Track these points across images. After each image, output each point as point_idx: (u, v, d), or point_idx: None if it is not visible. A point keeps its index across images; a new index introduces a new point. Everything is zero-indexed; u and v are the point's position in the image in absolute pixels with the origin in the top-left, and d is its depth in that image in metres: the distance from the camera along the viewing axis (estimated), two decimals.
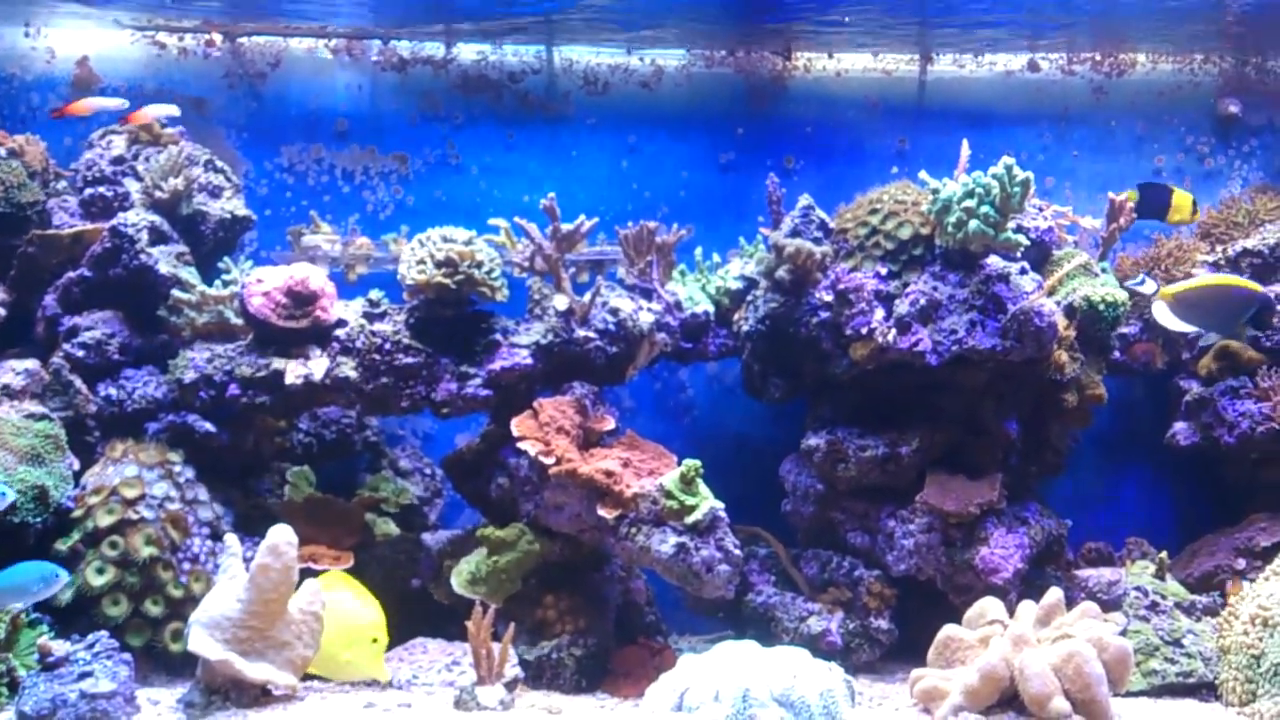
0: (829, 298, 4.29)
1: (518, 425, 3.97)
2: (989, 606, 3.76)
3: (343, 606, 3.56)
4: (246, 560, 3.52)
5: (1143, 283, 4.31)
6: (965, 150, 4.46)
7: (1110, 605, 4.08)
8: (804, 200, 4.46)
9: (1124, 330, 4.82)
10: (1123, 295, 4.58)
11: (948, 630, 3.69)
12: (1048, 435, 4.53)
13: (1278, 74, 5.45)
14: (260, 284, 4.09)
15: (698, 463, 3.86)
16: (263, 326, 4.10)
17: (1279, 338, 4.72)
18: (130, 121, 4.53)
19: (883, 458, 4.28)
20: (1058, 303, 4.40)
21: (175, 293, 4.22)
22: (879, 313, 4.24)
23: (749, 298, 4.53)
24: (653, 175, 5.20)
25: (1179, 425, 4.85)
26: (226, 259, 4.42)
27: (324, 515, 4.13)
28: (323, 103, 5.11)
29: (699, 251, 4.76)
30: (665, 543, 3.80)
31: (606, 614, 4.17)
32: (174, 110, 4.56)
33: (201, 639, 3.38)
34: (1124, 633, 3.84)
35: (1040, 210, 4.71)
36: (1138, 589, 4.09)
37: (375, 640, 3.53)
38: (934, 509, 4.19)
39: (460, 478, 4.34)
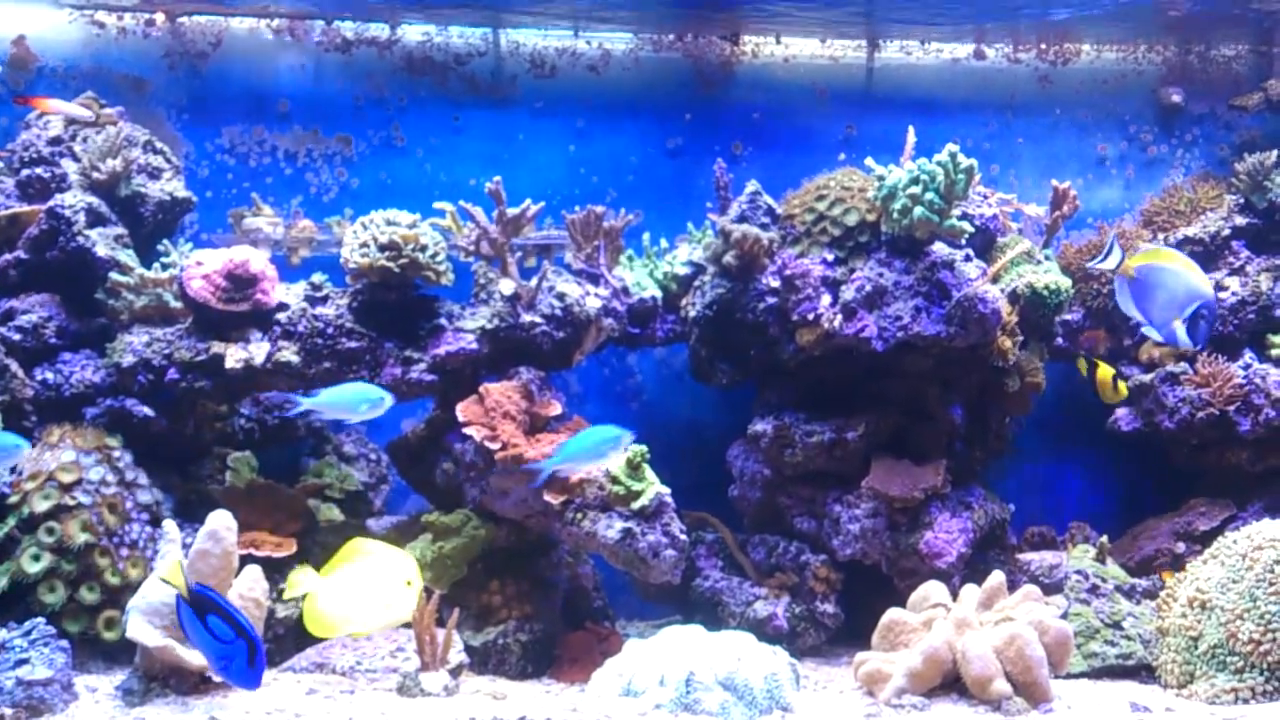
0: (776, 283, 4.29)
1: (463, 410, 3.95)
2: (933, 590, 3.79)
3: (374, 563, 3.47)
4: (186, 546, 3.47)
5: (1107, 255, 4.06)
6: (911, 137, 4.49)
7: (1052, 588, 4.13)
8: (751, 186, 4.46)
9: (1067, 317, 4.87)
10: (1065, 282, 4.62)
11: (892, 614, 3.72)
12: (991, 420, 4.57)
13: (1220, 63, 5.52)
14: (200, 267, 4.03)
15: (644, 448, 3.86)
16: (202, 310, 4.04)
17: (1218, 325, 4.79)
18: (34, 106, 4.43)
19: (829, 443, 4.29)
20: (1001, 289, 4.43)
21: (114, 275, 4.14)
22: (825, 299, 4.25)
23: (696, 283, 4.53)
24: (600, 160, 5.17)
25: (1121, 411, 4.90)
26: (166, 241, 4.35)
27: (266, 501, 4.08)
28: (265, 84, 5.03)
29: (647, 237, 4.75)
30: (611, 528, 3.80)
31: (553, 599, 4.16)
32: (86, 113, 4.46)
33: (140, 626, 3.33)
34: (1065, 616, 3.89)
35: (985, 198, 4.73)
36: (1079, 572, 4.14)
37: (409, 583, 3.46)
38: (879, 494, 4.22)
39: (405, 463, 4.31)
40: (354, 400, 3.73)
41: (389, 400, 3.72)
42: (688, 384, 4.78)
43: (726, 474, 4.62)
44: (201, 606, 3.10)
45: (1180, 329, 3.89)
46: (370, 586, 3.43)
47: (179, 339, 4.07)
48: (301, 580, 3.43)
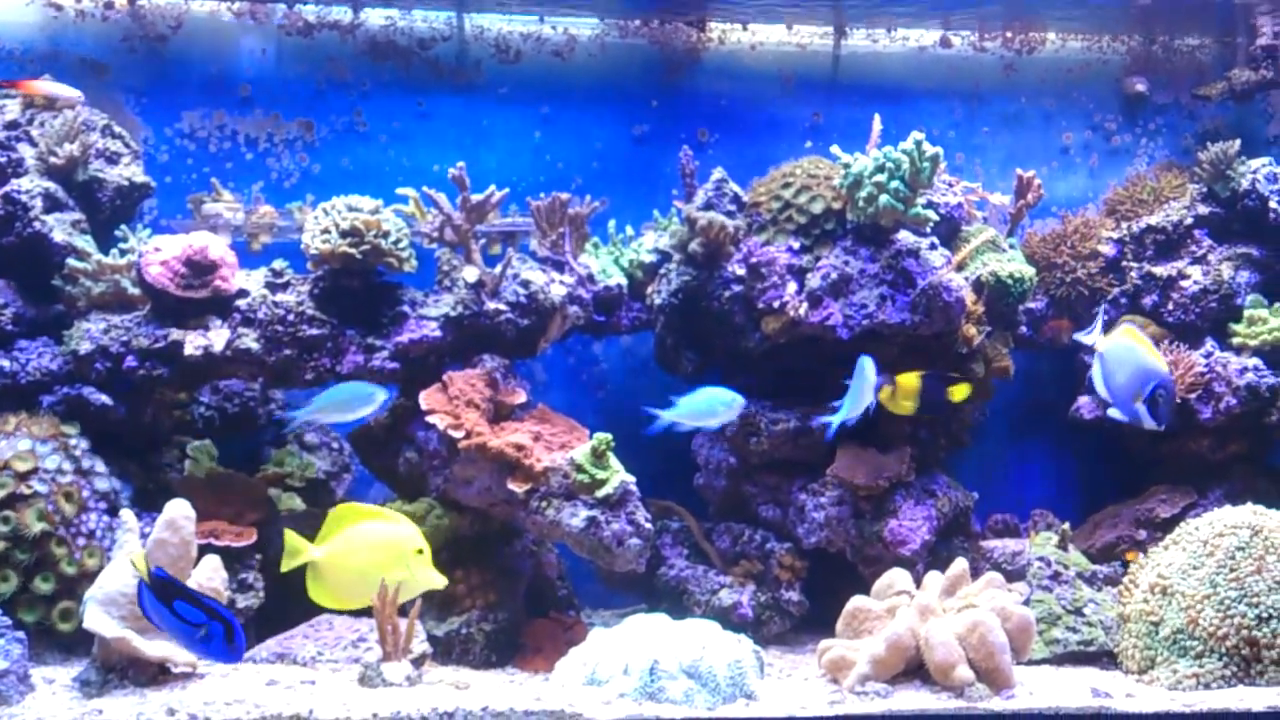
0: (742, 271, 4.29)
1: (426, 399, 3.92)
2: (896, 577, 3.80)
3: (376, 534, 3.44)
4: (144, 536, 3.43)
5: (1091, 329, 4.13)
6: (877, 125, 4.49)
7: (1014, 575, 4.15)
8: (717, 173, 4.45)
9: (1030, 305, 4.88)
10: (1029, 270, 4.64)
11: (856, 601, 3.72)
12: (956, 409, 4.57)
13: (1184, 53, 5.54)
14: (158, 253, 3.98)
15: (609, 436, 3.85)
16: (161, 296, 3.99)
17: (1180, 314, 4.83)
18: (20, 89, 4.36)
19: (794, 431, 4.30)
20: (966, 278, 4.44)
21: (71, 262, 4.08)
22: (791, 286, 4.25)
23: (662, 271, 4.52)
24: (566, 146, 5.14)
25: (1083, 400, 4.93)
26: (124, 227, 4.28)
27: (226, 490, 4.04)
28: (226, 67, 4.96)
29: (612, 224, 4.73)
30: (576, 516, 3.78)
31: (517, 588, 4.14)
32: (77, 95, 4.40)
33: (97, 616, 3.29)
34: (1027, 602, 3.90)
35: (950, 186, 4.75)
36: (1041, 559, 4.16)
37: (420, 551, 3.43)
38: (844, 482, 4.23)
39: (368, 452, 4.27)
40: (348, 400, 3.69)
41: (381, 395, 3.69)
42: (653, 372, 4.77)
43: (692, 462, 4.62)
44: (165, 592, 3.07)
45: (1142, 409, 3.93)
46: (377, 558, 3.39)
47: (137, 326, 4.02)
48: (297, 548, 3.38)
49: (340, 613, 3.68)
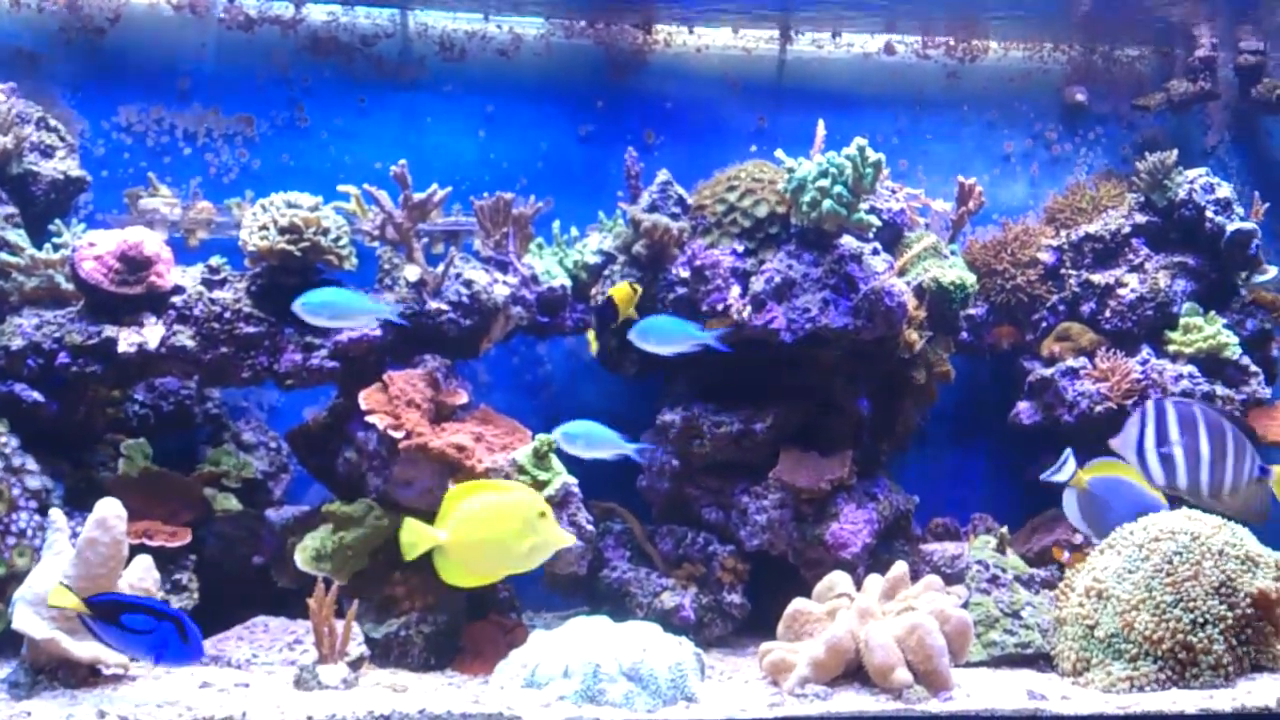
0: (686, 274, 4.29)
1: (366, 398, 3.88)
2: (837, 580, 3.81)
3: (496, 504, 3.33)
4: (75, 535, 3.36)
5: (1061, 467, 4.06)
6: (821, 130, 4.51)
7: (953, 579, 4.18)
8: (662, 175, 4.44)
9: (971, 312, 4.93)
10: (970, 277, 4.69)
11: (797, 604, 3.73)
12: (897, 413, 4.61)
13: (1124, 64, 5.62)
14: (92, 248, 3.90)
15: (551, 437, 3.83)
16: (95, 292, 3.92)
17: (1117, 321, 4.90)
18: None
19: (738, 434, 4.30)
20: (908, 283, 4.47)
21: (3, 256, 4.00)
22: (735, 290, 4.26)
23: (606, 272, 4.50)
24: (511, 145, 5.11)
25: (1022, 405, 4.98)
26: (59, 221, 4.21)
27: (160, 489, 3.98)
28: (164, 61, 4.87)
29: (557, 225, 4.70)
30: None
31: (457, 590, 4.09)
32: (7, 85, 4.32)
33: (26, 617, 3.23)
34: (965, 605, 3.93)
35: (893, 192, 4.78)
36: (979, 563, 4.19)
37: (543, 515, 3.33)
38: (787, 485, 4.24)
39: (305, 452, 4.22)
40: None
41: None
42: (597, 373, 4.75)
43: (635, 464, 4.59)
44: (109, 611, 3.04)
45: None
46: (501, 528, 3.29)
47: (70, 322, 3.94)
48: (419, 536, 3.27)
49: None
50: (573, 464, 3.88)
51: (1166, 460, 3.73)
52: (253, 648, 3.64)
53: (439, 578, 3.96)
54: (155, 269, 3.94)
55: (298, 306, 3.75)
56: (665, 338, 3.97)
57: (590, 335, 4.25)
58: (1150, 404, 3.78)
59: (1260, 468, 3.73)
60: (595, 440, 3.84)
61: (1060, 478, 4.05)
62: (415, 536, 3.28)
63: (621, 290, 4.11)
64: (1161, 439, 3.74)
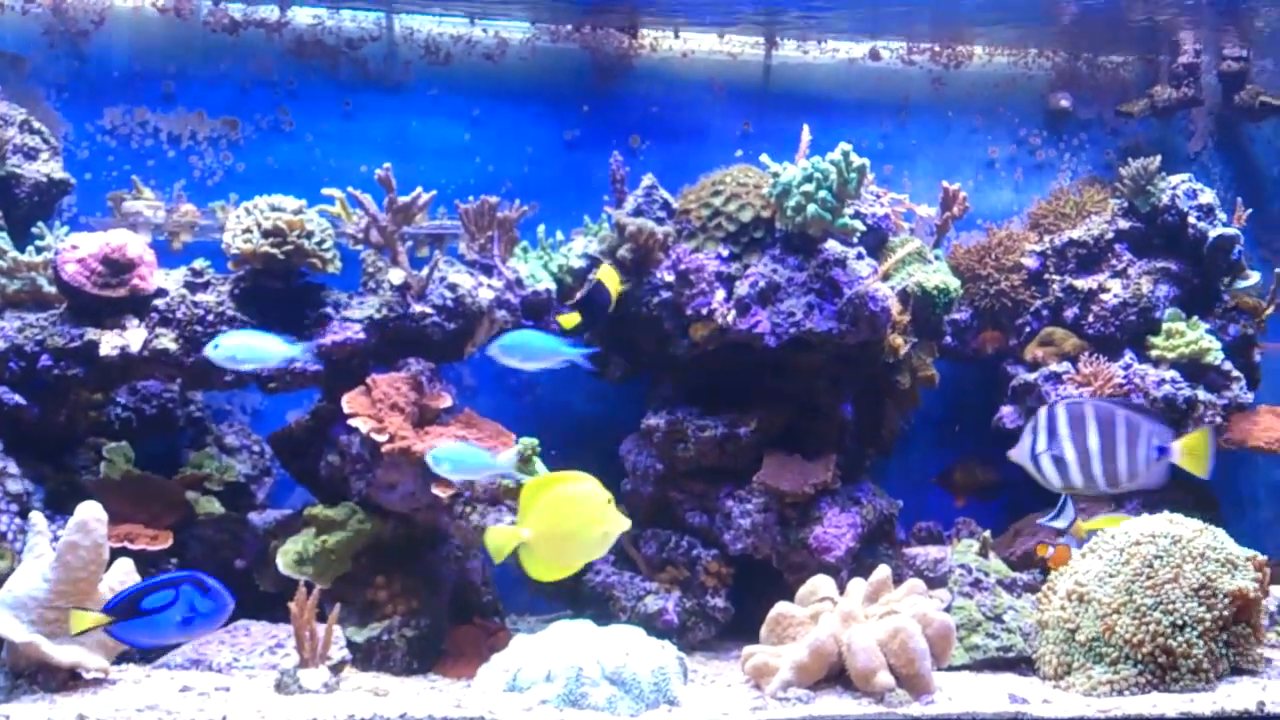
0: (670, 278, 4.29)
1: (349, 401, 3.87)
2: (820, 584, 3.81)
3: (569, 496, 3.33)
4: (55, 539, 3.35)
5: (1059, 514, 4.09)
6: (806, 135, 4.52)
7: (936, 582, 4.19)
8: (647, 180, 4.45)
9: (955, 316, 4.94)
10: (955, 282, 4.70)
11: (780, 607, 3.73)
12: (881, 417, 4.62)
13: (1108, 70, 5.65)
14: (75, 250, 3.89)
15: (534, 441, 3.83)
16: (77, 295, 3.91)
17: (1100, 326, 4.91)
18: None
19: (722, 438, 4.30)
20: (892, 288, 4.48)
21: None
22: (719, 294, 4.27)
23: (591, 276, 4.49)
24: (496, 149, 5.11)
25: (1006, 409, 4.99)
26: (42, 224, 4.20)
27: (142, 493, 3.96)
28: (149, 64, 4.87)
29: (542, 229, 4.69)
30: (500, 522, 3.75)
31: (441, 594, 4.10)
32: None
33: (6, 620, 3.22)
34: (948, 609, 3.93)
35: (878, 197, 4.79)
36: (962, 567, 4.19)
37: (610, 501, 3.34)
38: (770, 489, 4.24)
39: (288, 455, 4.21)
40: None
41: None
42: (581, 378, 4.73)
43: (619, 468, 4.60)
44: (128, 607, 3.09)
45: None
46: (577, 517, 3.30)
47: (53, 325, 3.93)
48: (505, 538, 3.28)
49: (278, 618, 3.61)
50: (557, 468, 3.86)
51: (1059, 462, 3.75)
52: (234, 651, 3.63)
53: (425, 582, 3.99)
54: (138, 272, 3.93)
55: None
56: (531, 354, 3.81)
57: (569, 318, 4.15)
58: (1042, 409, 3.80)
59: (1159, 448, 3.76)
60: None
61: (1059, 524, 4.07)
62: (500, 539, 3.29)
63: (611, 274, 4.07)
64: (1052, 442, 3.76)
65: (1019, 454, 3.78)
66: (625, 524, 3.36)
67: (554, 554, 3.32)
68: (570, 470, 3.41)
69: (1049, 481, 3.79)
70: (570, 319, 3.98)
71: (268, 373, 3.88)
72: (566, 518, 3.30)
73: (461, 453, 3.67)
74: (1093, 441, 3.73)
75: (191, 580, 3.14)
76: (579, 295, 4.18)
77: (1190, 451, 3.74)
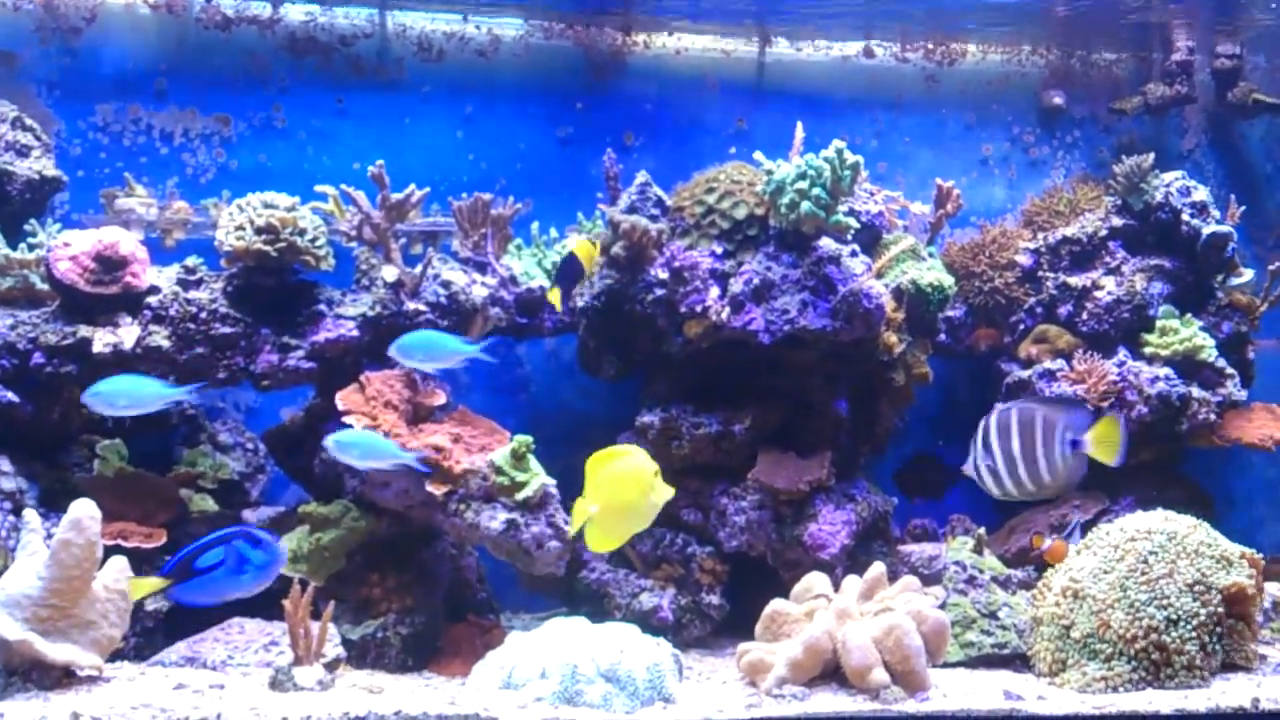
0: (664, 275, 4.28)
1: (343, 399, 3.86)
2: (815, 581, 3.81)
3: (622, 469, 3.39)
4: (49, 536, 3.33)
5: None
6: (799, 133, 4.52)
7: (931, 579, 4.19)
8: (641, 177, 4.44)
9: (949, 314, 4.94)
10: (948, 279, 4.70)
11: (775, 605, 3.73)
12: (876, 414, 4.62)
13: (1101, 67, 5.66)
14: (67, 248, 3.88)
15: (529, 439, 3.82)
16: (70, 292, 3.90)
17: (1094, 324, 4.92)
18: None
19: (716, 435, 4.30)
20: (886, 285, 4.48)
21: None
22: (714, 291, 4.26)
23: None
24: (490, 147, 5.11)
25: (999, 407, 4.98)
26: (34, 222, 4.20)
27: (135, 490, 3.95)
28: (141, 61, 4.86)
29: (536, 226, 4.71)
30: (495, 519, 3.75)
31: (435, 592, 4.09)
32: None
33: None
34: (943, 606, 3.93)
35: (871, 194, 4.79)
36: (957, 564, 4.20)
37: (656, 473, 3.40)
38: (765, 486, 4.24)
39: (282, 452, 4.21)
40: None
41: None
42: (576, 375, 4.75)
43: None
44: (184, 569, 3.14)
45: None
46: (632, 489, 3.37)
47: (45, 322, 3.93)
48: (577, 512, 3.35)
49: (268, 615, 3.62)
50: (552, 465, 3.87)
51: (992, 472, 3.81)
52: (228, 649, 3.62)
53: (419, 579, 3.99)
54: (131, 269, 3.92)
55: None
56: (432, 353, 3.81)
57: (553, 293, 4.16)
58: (981, 421, 3.86)
59: (1071, 442, 3.79)
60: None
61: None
62: (578, 513, 3.36)
63: (584, 246, 4.06)
64: (986, 452, 3.81)
65: (968, 468, 3.85)
66: (670, 493, 3.43)
67: (613, 526, 3.40)
68: (615, 448, 3.48)
69: (991, 492, 3.87)
70: (554, 294, 4.04)
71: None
72: (623, 490, 3.37)
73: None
74: (1015, 446, 3.78)
75: (241, 534, 3.20)
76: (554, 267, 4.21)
77: (1101, 440, 3.78)
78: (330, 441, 3.62)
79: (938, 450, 4.72)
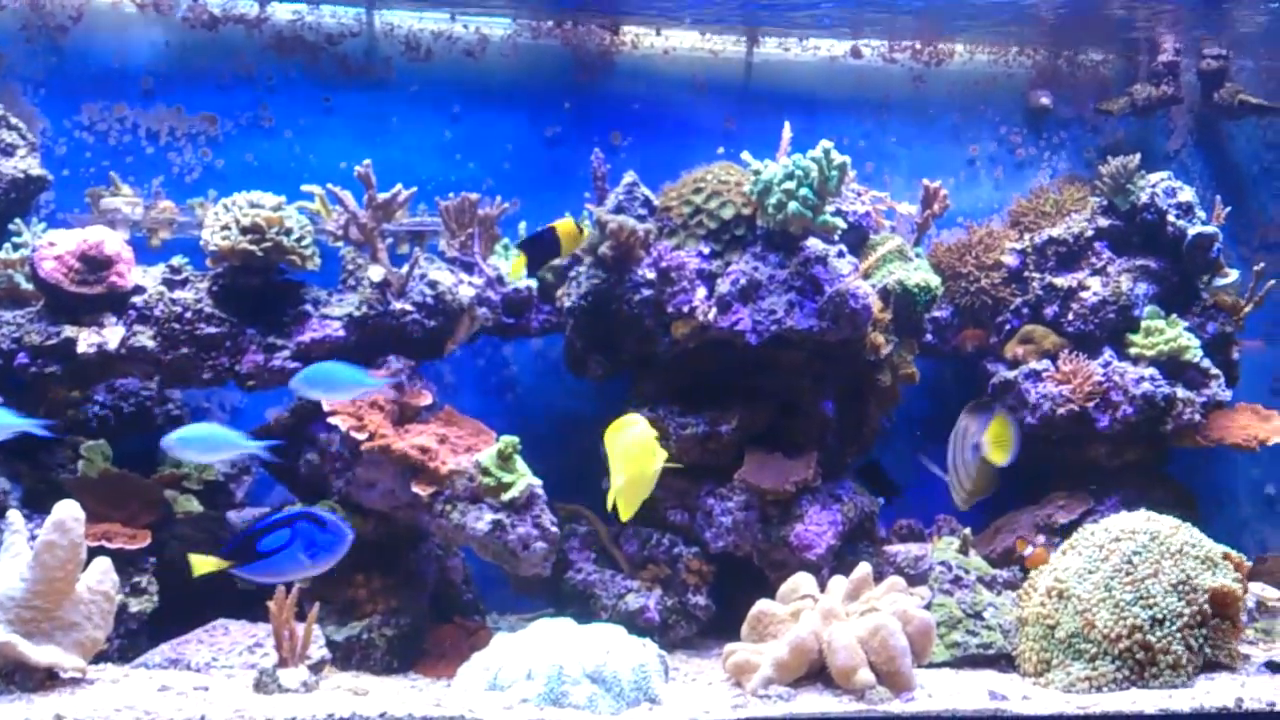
0: (652, 275, 4.28)
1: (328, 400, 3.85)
2: (801, 581, 3.82)
3: (631, 439, 3.41)
4: (33, 538, 3.32)
5: None
6: (787, 133, 4.52)
7: (917, 580, 4.20)
8: (628, 177, 4.44)
9: (936, 314, 4.95)
10: (935, 280, 4.71)
11: (761, 605, 3.73)
12: (863, 415, 4.62)
13: (1088, 68, 5.67)
14: (52, 247, 3.87)
15: (515, 439, 3.82)
16: (54, 292, 3.88)
17: (1079, 324, 4.93)
18: None
19: (703, 436, 4.30)
20: (873, 286, 4.48)
21: None
22: (701, 291, 4.26)
23: (572, 274, 4.49)
24: (477, 146, 5.10)
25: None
26: (19, 221, 4.19)
27: (120, 491, 3.93)
28: (127, 59, 4.84)
29: (523, 226, 4.70)
30: (480, 520, 3.75)
31: (421, 593, 4.09)
32: None
33: None
34: (928, 606, 3.95)
35: (859, 195, 4.80)
36: (943, 564, 4.21)
37: (657, 437, 3.45)
38: (752, 487, 4.24)
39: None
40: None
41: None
42: (563, 375, 4.75)
43: (601, 466, 4.58)
44: (246, 549, 3.16)
45: None
46: (645, 458, 3.39)
47: (30, 322, 3.91)
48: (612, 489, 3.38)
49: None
50: (538, 465, 3.87)
51: (945, 481, 3.94)
52: (213, 651, 3.61)
53: (405, 580, 3.98)
54: (116, 269, 3.91)
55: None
56: (334, 386, 3.72)
57: (518, 261, 4.09)
58: None
59: (974, 445, 3.86)
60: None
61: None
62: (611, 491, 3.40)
63: (567, 225, 4.05)
64: (942, 465, 4.06)
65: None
66: (663, 456, 3.47)
67: (632, 494, 3.43)
68: (623, 420, 3.49)
69: (955, 502, 4.15)
70: (519, 261, 4.00)
71: None
72: (635, 462, 3.40)
73: (206, 432, 3.62)
74: (950, 454, 3.87)
75: (306, 517, 3.21)
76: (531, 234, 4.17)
77: (994, 441, 3.84)
78: (169, 441, 3.52)
79: (880, 460, 4.75)
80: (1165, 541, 3.77)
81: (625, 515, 3.46)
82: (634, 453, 3.39)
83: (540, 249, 3.98)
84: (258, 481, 4.60)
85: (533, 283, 4.55)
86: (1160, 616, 3.61)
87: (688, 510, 4.39)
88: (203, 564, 3.21)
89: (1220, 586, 3.70)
